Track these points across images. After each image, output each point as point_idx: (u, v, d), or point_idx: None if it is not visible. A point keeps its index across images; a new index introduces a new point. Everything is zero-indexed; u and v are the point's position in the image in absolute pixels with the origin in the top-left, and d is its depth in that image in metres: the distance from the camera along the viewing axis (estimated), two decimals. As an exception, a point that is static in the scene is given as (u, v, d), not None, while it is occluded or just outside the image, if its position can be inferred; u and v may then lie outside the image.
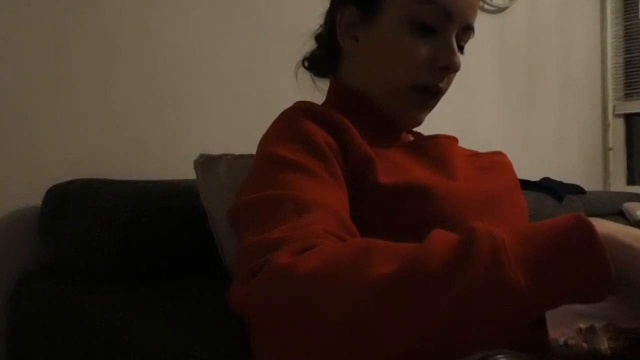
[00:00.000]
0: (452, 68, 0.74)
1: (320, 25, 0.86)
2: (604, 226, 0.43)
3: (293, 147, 0.65)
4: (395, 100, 0.77)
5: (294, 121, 0.70)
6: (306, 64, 0.88)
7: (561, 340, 0.45)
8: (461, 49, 0.77)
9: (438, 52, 0.73)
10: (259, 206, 0.58)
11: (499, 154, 0.89)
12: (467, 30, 0.76)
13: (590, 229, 0.41)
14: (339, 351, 0.43)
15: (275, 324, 0.46)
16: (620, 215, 2.27)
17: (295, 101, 0.78)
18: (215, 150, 0.95)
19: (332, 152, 0.67)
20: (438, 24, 0.73)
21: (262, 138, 0.73)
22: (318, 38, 0.86)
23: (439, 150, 0.79)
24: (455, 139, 0.85)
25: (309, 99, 0.80)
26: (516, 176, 0.86)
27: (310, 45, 0.88)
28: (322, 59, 0.85)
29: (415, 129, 0.87)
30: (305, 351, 0.45)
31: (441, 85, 0.76)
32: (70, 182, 1.04)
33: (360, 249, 0.47)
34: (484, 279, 0.41)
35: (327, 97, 0.84)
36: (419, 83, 0.75)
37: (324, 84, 0.86)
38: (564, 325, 0.45)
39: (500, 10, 2.26)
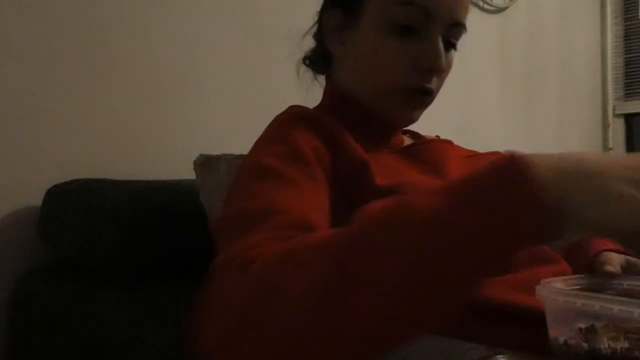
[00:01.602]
0: (436, 69, 0.73)
1: (314, 24, 0.85)
2: (541, 158, 0.40)
3: (275, 151, 0.66)
4: (385, 102, 0.76)
5: (283, 125, 0.71)
6: (306, 62, 0.87)
7: (561, 339, 0.45)
8: (453, 45, 0.76)
9: (421, 53, 0.72)
10: (225, 224, 0.59)
11: (496, 154, 0.88)
12: (456, 27, 0.74)
13: (522, 161, 0.39)
14: (297, 351, 0.41)
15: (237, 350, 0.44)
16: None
17: (295, 101, 0.78)
18: (215, 150, 0.95)
19: (318, 156, 0.67)
20: (420, 24, 0.71)
21: (255, 142, 0.73)
22: (315, 36, 0.86)
23: (433, 154, 0.79)
24: (450, 142, 0.84)
25: (308, 97, 0.80)
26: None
27: (310, 43, 0.88)
28: (318, 58, 0.85)
29: (412, 128, 0.86)
30: (277, 345, 0.42)
31: (429, 86, 0.74)
32: (70, 182, 1.04)
33: (288, 247, 0.46)
34: (418, 227, 0.40)
35: (323, 99, 0.84)
36: (405, 85, 0.73)
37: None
38: (564, 324, 0.45)
39: (500, 10, 2.26)
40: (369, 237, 0.41)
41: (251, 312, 0.43)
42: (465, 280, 0.40)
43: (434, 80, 0.75)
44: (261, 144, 0.70)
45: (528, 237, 0.39)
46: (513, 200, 0.38)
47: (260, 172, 0.63)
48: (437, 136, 0.93)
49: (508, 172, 0.40)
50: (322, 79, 0.87)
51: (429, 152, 0.79)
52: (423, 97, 0.76)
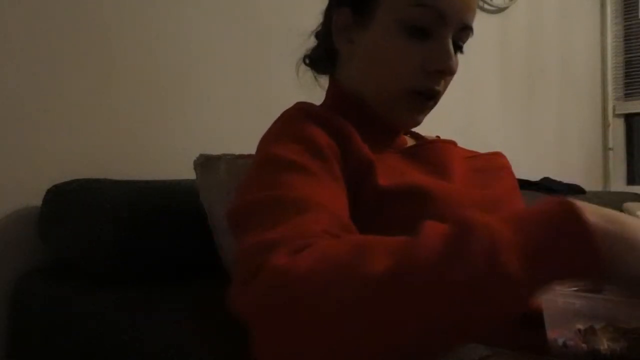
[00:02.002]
0: (447, 71, 0.73)
1: (320, 23, 0.85)
2: (592, 212, 0.43)
3: (293, 148, 0.65)
4: (391, 103, 0.76)
5: (294, 122, 0.70)
6: (307, 61, 0.87)
7: (560, 341, 0.45)
8: (460, 48, 0.76)
9: (433, 55, 0.72)
10: (257, 207, 0.58)
11: (497, 155, 0.88)
12: (464, 30, 0.74)
13: (580, 215, 0.42)
14: (338, 348, 0.44)
15: (275, 326, 0.46)
16: (620, 215, 2.26)
17: (295, 101, 0.78)
18: (215, 150, 0.94)
19: (331, 152, 0.67)
20: (432, 27, 0.71)
21: (262, 138, 0.73)
22: (318, 35, 0.86)
23: (436, 155, 0.79)
24: (453, 143, 0.84)
25: (308, 97, 0.80)
26: (515, 178, 0.86)
27: (311, 42, 0.87)
28: (321, 57, 0.85)
29: (414, 130, 0.86)
30: (305, 351, 0.45)
31: (437, 88, 0.75)
32: (70, 182, 1.04)
33: (355, 246, 0.47)
34: (482, 268, 0.41)
35: (326, 98, 0.84)
36: (413, 87, 0.74)
37: (326, 81, 0.86)
38: (563, 326, 0.45)
39: (500, 10, 2.26)
40: (431, 267, 0.43)
41: (311, 296, 0.45)
42: (501, 311, 0.43)
43: (442, 83, 0.75)
44: (273, 140, 0.69)
45: (573, 274, 0.43)
46: (570, 240, 0.42)
47: (282, 164, 0.63)
48: (438, 136, 0.93)
49: (564, 222, 0.43)
50: (322, 79, 0.87)
51: (432, 152, 0.79)
52: (428, 101, 0.76)
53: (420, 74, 0.73)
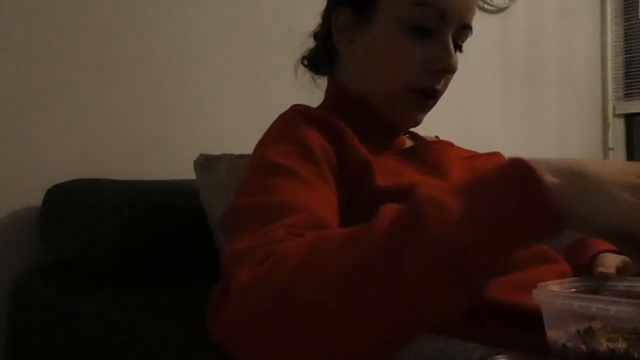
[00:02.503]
0: (448, 69, 0.74)
1: (319, 24, 0.85)
2: (546, 170, 0.42)
3: (284, 150, 0.66)
4: (392, 102, 0.76)
5: (289, 124, 0.71)
6: (305, 62, 0.87)
7: (559, 342, 0.45)
8: (459, 47, 0.77)
9: (434, 53, 0.72)
10: (240, 215, 0.59)
11: (496, 155, 0.88)
12: (464, 29, 0.75)
13: (534, 175, 0.41)
14: (318, 346, 0.43)
15: (249, 342, 0.46)
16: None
17: (295, 101, 0.78)
18: (215, 150, 0.94)
19: (325, 156, 0.67)
20: (433, 26, 0.72)
21: (258, 141, 0.73)
22: (316, 36, 0.86)
23: (434, 156, 0.79)
24: (450, 144, 0.84)
25: (308, 97, 0.80)
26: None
27: (309, 43, 0.87)
28: (320, 58, 0.85)
29: (413, 129, 0.86)
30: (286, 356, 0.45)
31: (438, 87, 0.75)
32: (70, 182, 1.04)
33: (313, 241, 0.48)
34: (432, 236, 0.41)
35: (325, 99, 0.84)
36: (414, 86, 0.74)
37: (324, 82, 0.86)
38: (562, 327, 0.45)
39: (500, 10, 2.26)
40: (387, 240, 0.42)
41: (277, 301, 0.44)
42: (473, 276, 0.42)
43: (442, 82, 0.75)
44: (268, 142, 0.70)
45: (534, 236, 0.42)
46: (524, 202, 0.41)
47: (272, 168, 0.63)
48: (437, 137, 0.93)
49: (516, 174, 0.42)
50: (320, 79, 0.87)
51: (430, 153, 0.79)
52: (428, 100, 0.76)
53: (421, 73, 0.73)
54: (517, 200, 0.41)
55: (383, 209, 0.46)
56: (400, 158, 0.77)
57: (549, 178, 0.41)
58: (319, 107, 0.82)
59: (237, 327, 0.46)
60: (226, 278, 0.50)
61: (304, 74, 0.88)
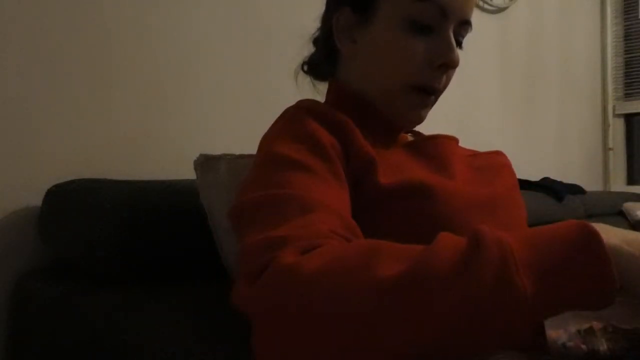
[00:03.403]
0: (451, 64, 0.74)
1: (318, 29, 0.86)
2: (607, 233, 0.43)
3: (296, 147, 0.65)
4: (395, 100, 0.76)
5: (297, 120, 0.70)
6: (305, 68, 0.87)
7: (559, 342, 0.45)
8: (459, 44, 0.77)
9: (436, 49, 0.73)
10: (263, 205, 0.58)
11: (498, 153, 0.88)
12: (464, 25, 0.75)
13: (596, 237, 0.42)
14: (343, 352, 0.43)
15: (281, 325, 0.46)
16: (621, 215, 2.27)
17: (295, 100, 0.78)
18: (215, 150, 0.95)
19: (335, 152, 0.67)
20: (434, 22, 0.72)
21: (263, 136, 0.73)
22: (316, 42, 0.86)
23: (438, 150, 0.79)
24: (455, 139, 0.84)
25: (309, 97, 0.80)
26: (515, 177, 0.86)
27: (309, 49, 0.88)
28: (320, 62, 0.85)
29: (415, 128, 0.86)
30: (309, 352, 0.45)
31: (439, 84, 0.75)
32: (70, 182, 1.04)
33: (366, 250, 0.47)
34: (491, 284, 0.41)
35: (327, 99, 0.84)
36: (417, 83, 0.74)
37: (324, 87, 0.86)
38: (562, 326, 0.45)
39: (500, 10, 2.26)
40: (431, 289, 0.42)
41: (320, 297, 0.45)
42: (520, 325, 0.42)
43: (444, 78, 0.76)
44: (276, 137, 0.69)
45: (588, 302, 0.42)
46: (588, 273, 0.41)
47: (285, 162, 0.63)
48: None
49: (582, 245, 0.42)
50: (320, 85, 0.87)
51: (434, 147, 0.79)
52: (430, 96, 0.76)
53: (423, 70, 0.74)
54: (581, 266, 0.41)
55: (442, 236, 0.46)
56: (404, 151, 0.77)
57: (613, 243, 0.42)
58: (323, 104, 0.82)
59: (270, 304, 0.46)
60: (257, 265, 0.49)
61: (304, 79, 0.88)
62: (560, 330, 0.45)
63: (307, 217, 0.54)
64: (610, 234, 0.43)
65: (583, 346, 0.45)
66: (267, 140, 0.71)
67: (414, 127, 0.83)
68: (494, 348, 0.43)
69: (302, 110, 0.72)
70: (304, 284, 0.45)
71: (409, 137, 0.86)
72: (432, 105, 0.79)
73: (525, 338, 0.43)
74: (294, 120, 0.70)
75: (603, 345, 0.45)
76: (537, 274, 0.41)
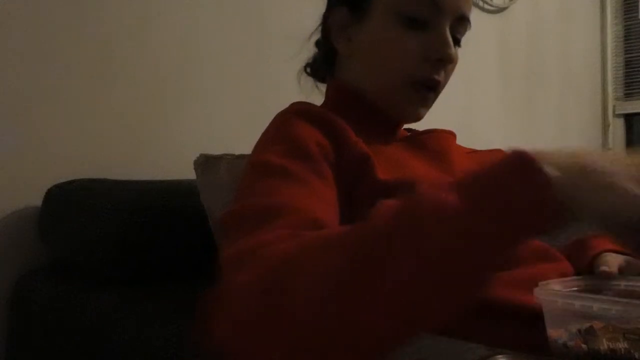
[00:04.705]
0: (446, 59, 0.74)
1: (317, 29, 0.86)
2: (549, 162, 0.42)
3: (279, 150, 0.65)
4: (394, 96, 0.76)
5: (284, 123, 0.71)
6: (308, 70, 0.88)
7: (560, 341, 0.45)
8: (458, 42, 0.77)
9: (431, 44, 0.73)
10: (234, 218, 0.59)
11: (498, 151, 0.89)
12: (461, 21, 0.75)
13: (532, 162, 0.41)
14: (314, 342, 0.42)
15: (249, 348, 0.45)
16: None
17: (295, 100, 0.78)
18: (215, 150, 0.95)
19: (323, 152, 0.67)
20: (429, 17, 0.72)
21: (257, 141, 0.73)
22: (318, 43, 0.87)
23: (436, 144, 0.79)
24: (453, 134, 0.85)
25: (309, 97, 0.80)
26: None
27: (309, 50, 0.88)
28: (320, 64, 0.85)
29: (414, 127, 0.87)
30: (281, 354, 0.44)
31: (438, 78, 0.75)
32: (71, 182, 1.04)
33: (304, 243, 0.47)
34: (427, 216, 0.41)
35: (325, 98, 0.84)
36: (414, 77, 0.74)
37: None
38: (563, 326, 0.45)
39: (500, 10, 2.26)
40: (386, 234, 0.42)
41: (269, 302, 0.44)
42: (475, 271, 0.41)
43: (442, 73, 0.75)
44: (265, 142, 0.70)
45: (535, 229, 0.41)
46: (525, 195, 0.40)
47: (266, 169, 0.63)
48: None
49: (519, 166, 0.41)
50: (323, 86, 0.87)
51: (433, 141, 0.79)
52: (429, 92, 0.76)
53: (421, 64, 0.73)
54: (518, 191, 0.40)
55: (378, 206, 0.46)
56: (402, 146, 0.77)
57: (551, 170, 0.40)
58: (320, 106, 0.82)
59: (232, 330, 0.46)
60: (222, 281, 0.50)
61: (306, 81, 0.88)
62: (561, 330, 0.45)
63: (265, 227, 0.54)
64: (548, 161, 0.42)
65: (584, 345, 0.45)
66: (257, 145, 0.72)
67: (412, 123, 0.83)
68: (474, 293, 0.42)
69: (291, 113, 0.72)
70: (258, 295, 0.45)
71: (406, 134, 0.86)
72: (432, 103, 0.79)
73: (518, 327, 0.42)
74: (281, 124, 0.71)
75: (603, 345, 0.45)
76: (474, 196, 0.41)
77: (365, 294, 0.41)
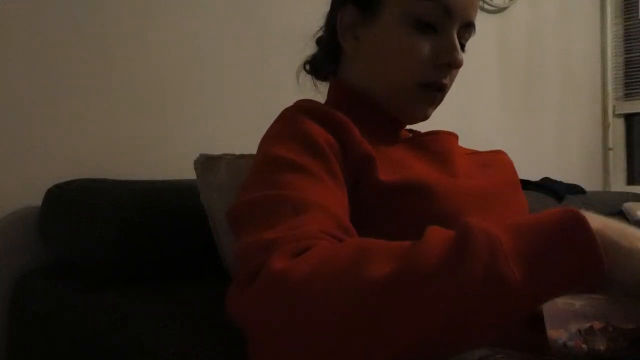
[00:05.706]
0: (454, 64, 0.74)
1: (321, 28, 0.86)
2: (594, 220, 0.43)
3: (292, 147, 0.65)
4: (400, 97, 0.77)
5: (294, 120, 0.70)
6: (307, 67, 0.87)
7: (560, 341, 0.45)
8: (462, 46, 0.77)
9: (440, 48, 0.73)
10: (256, 207, 0.58)
11: (499, 152, 0.89)
12: (467, 27, 0.76)
13: (584, 223, 0.42)
14: (338, 356, 0.43)
15: (274, 332, 0.46)
16: (621, 215, 2.27)
17: (295, 101, 0.78)
18: (215, 150, 0.95)
19: (331, 151, 0.67)
20: (438, 21, 0.73)
21: (262, 138, 0.73)
22: (319, 41, 0.86)
23: (439, 145, 0.79)
24: (455, 135, 0.85)
25: (309, 97, 0.80)
26: (517, 174, 0.87)
27: (311, 49, 0.88)
28: (322, 62, 0.85)
29: (413, 127, 0.87)
30: (304, 358, 0.45)
31: (445, 81, 0.76)
32: (70, 182, 1.04)
33: (356, 250, 0.47)
34: (481, 276, 0.41)
35: (328, 97, 0.84)
36: (422, 80, 0.74)
37: (325, 87, 0.86)
38: (563, 326, 0.45)
39: (500, 10, 2.26)
40: (422, 286, 0.42)
41: (289, 324, 0.45)
42: (512, 313, 0.43)
43: (449, 77, 0.76)
44: (274, 137, 0.69)
45: (577, 285, 0.43)
46: (574, 252, 0.42)
47: (281, 164, 0.63)
48: None
49: (569, 229, 0.42)
50: (322, 85, 0.87)
51: (436, 143, 0.79)
52: (437, 93, 0.77)
53: (429, 67, 0.74)
54: (576, 264, 0.41)
55: (430, 231, 0.46)
56: (405, 147, 0.77)
57: (597, 228, 0.42)
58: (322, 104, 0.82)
59: (262, 312, 0.46)
60: (248, 270, 0.49)
61: (305, 81, 0.88)
62: (561, 330, 0.45)
63: (298, 218, 0.54)
64: (595, 219, 0.43)
65: (584, 346, 0.45)
66: (265, 142, 0.71)
67: (418, 122, 0.83)
68: (489, 340, 0.43)
69: (299, 110, 0.72)
70: (294, 292, 0.45)
71: (408, 135, 0.86)
72: (439, 104, 0.79)
73: (519, 327, 0.43)
74: (291, 121, 0.70)
75: (603, 345, 0.45)
76: (526, 262, 0.41)
77: (402, 317, 0.42)
